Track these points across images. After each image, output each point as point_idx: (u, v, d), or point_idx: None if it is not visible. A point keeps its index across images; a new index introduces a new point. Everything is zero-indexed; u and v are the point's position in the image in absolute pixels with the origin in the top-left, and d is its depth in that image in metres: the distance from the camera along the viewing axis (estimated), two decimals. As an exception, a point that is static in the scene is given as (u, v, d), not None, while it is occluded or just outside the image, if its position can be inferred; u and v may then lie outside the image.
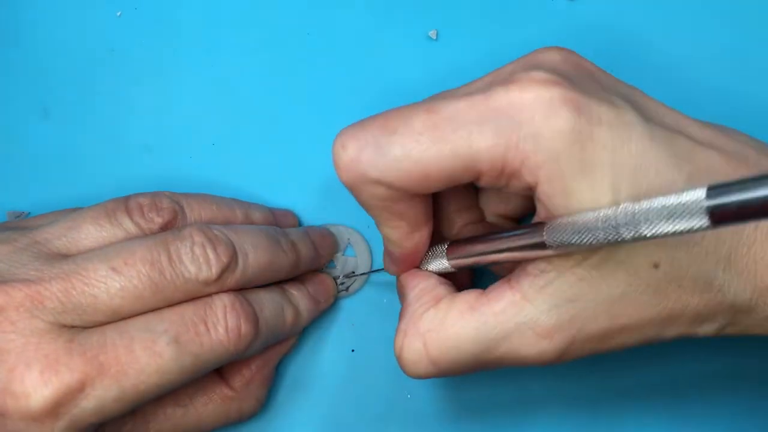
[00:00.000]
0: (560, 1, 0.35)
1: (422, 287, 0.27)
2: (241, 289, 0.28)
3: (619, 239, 0.21)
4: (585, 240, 0.21)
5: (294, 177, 0.34)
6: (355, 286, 0.33)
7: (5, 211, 0.33)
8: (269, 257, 0.29)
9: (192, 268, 0.26)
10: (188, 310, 0.26)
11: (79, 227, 0.28)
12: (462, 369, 0.26)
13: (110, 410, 0.25)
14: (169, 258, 0.26)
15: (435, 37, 0.35)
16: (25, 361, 0.24)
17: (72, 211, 0.29)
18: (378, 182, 0.24)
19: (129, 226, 0.28)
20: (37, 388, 0.24)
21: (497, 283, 0.25)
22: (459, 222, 0.30)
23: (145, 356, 0.25)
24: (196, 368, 0.26)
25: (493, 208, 0.30)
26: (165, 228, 0.28)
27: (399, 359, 0.26)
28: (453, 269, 0.28)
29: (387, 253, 0.28)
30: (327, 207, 0.34)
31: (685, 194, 0.19)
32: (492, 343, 0.25)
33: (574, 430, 0.32)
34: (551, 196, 0.23)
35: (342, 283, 0.33)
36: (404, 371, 0.26)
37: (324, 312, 0.32)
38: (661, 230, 0.19)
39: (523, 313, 0.24)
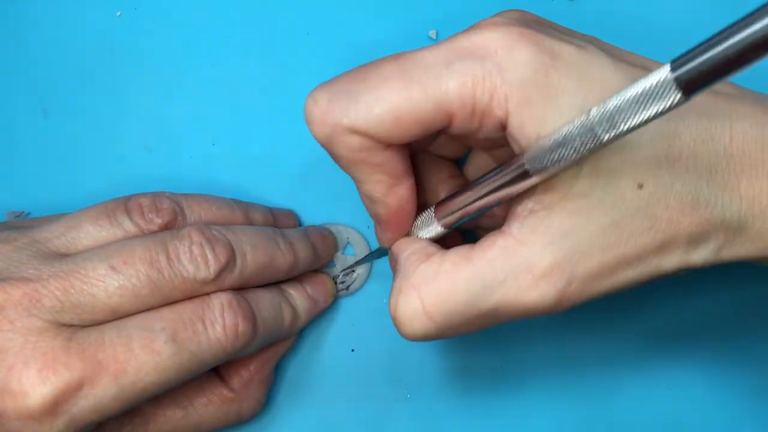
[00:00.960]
0: (560, 1, 0.35)
1: (413, 249, 0.27)
2: (239, 289, 0.28)
3: (598, 142, 0.21)
4: (565, 154, 0.22)
5: (294, 177, 0.34)
6: (356, 285, 0.33)
7: (5, 211, 0.33)
8: (267, 258, 0.29)
9: (190, 268, 0.26)
10: (186, 309, 0.27)
11: (79, 227, 0.28)
12: (460, 323, 0.25)
13: (109, 408, 0.25)
14: (168, 257, 0.26)
15: (435, 37, 0.35)
16: (23, 359, 0.24)
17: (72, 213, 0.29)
18: (352, 130, 0.24)
19: (128, 227, 0.28)
20: (35, 386, 0.24)
21: (488, 234, 0.25)
22: (443, 193, 0.30)
23: (143, 354, 0.25)
24: (193, 366, 0.26)
25: (478, 169, 0.30)
26: (164, 229, 0.28)
27: (395, 319, 0.25)
28: (444, 229, 0.27)
29: (375, 221, 0.28)
30: (327, 206, 0.34)
31: (651, 76, 0.19)
32: (488, 290, 0.24)
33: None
34: (522, 125, 0.23)
35: (342, 282, 0.33)
36: (401, 332, 0.26)
37: (324, 312, 0.32)
38: (637, 119, 0.20)
39: (517, 256, 0.24)
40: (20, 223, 0.30)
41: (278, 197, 0.34)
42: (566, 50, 0.24)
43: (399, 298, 0.25)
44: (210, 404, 0.29)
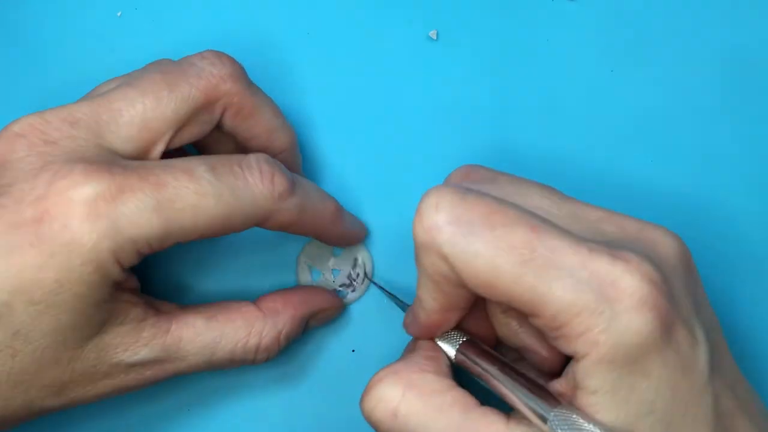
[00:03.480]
0: (560, 1, 0.35)
1: (433, 358, 0.26)
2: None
3: None
4: None
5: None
6: (357, 294, 0.33)
7: (5, 211, 0.33)
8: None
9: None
10: (223, 156, 0.27)
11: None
12: None
13: (146, 222, 0.24)
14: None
15: (435, 37, 0.35)
16: (68, 165, 0.24)
17: None
18: (446, 260, 0.23)
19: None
20: (80, 183, 0.24)
21: (494, 413, 0.24)
22: (499, 305, 0.28)
23: (183, 176, 0.25)
24: (231, 203, 0.26)
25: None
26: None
27: (370, 386, 0.25)
28: (455, 362, 0.27)
29: (413, 313, 0.27)
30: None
31: None
32: None
33: None
34: (586, 376, 0.22)
35: (339, 291, 0.32)
36: (364, 398, 0.25)
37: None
38: None
39: None
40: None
41: (278, 197, 0.34)
42: (681, 342, 0.22)
43: (388, 377, 0.25)
44: (231, 322, 0.28)
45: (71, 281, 0.24)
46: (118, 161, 0.25)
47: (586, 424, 0.22)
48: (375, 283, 0.32)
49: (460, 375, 0.26)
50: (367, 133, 0.34)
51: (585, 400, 0.23)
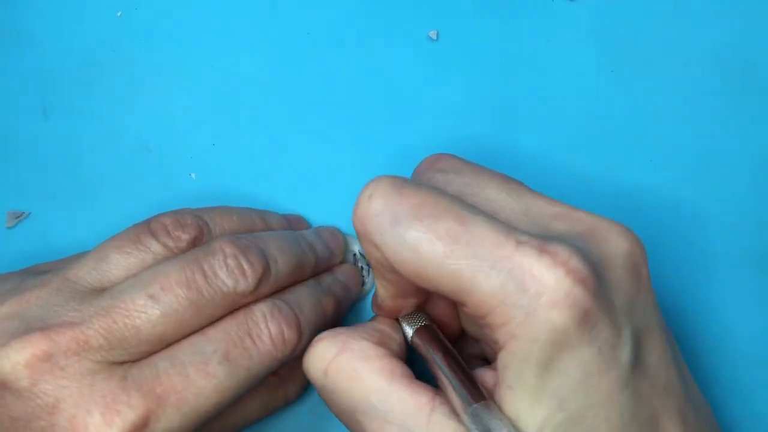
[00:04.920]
0: (560, 1, 0.35)
1: (382, 327, 0.27)
2: (275, 293, 0.28)
3: None
4: None
5: (294, 177, 0.34)
6: (370, 282, 0.33)
7: (5, 211, 0.33)
8: (295, 260, 0.29)
9: (229, 282, 0.26)
10: (232, 326, 0.26)
11: (107, 258, 0.27)
12: (337, 403, 0.25)
13: None
14: (205, 275, 0.26)
15: (435, 37, 0.35)
16: (84, 407, 0.24)
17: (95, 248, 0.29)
18: (378, 249, 0.24)
19: (156, 248, 0.27)
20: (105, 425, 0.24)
21: (421, 387, 0.24)
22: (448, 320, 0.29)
23: (200, 379, 0.25)
24: (250, 380, 0.26)
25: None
26: (193, 244, 0.28)
27: (311, 346, 0.26)
28: (410, 343, 0.27)
29: (374, 296, 0.28)
30: (327, 207, 0.34)
31: None
32: (376, 413, 0.24)
33: None
34: (504, 369, 0.23)
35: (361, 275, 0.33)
36: (305, 357, 0.26)
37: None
38: None
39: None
40: (46, 266, 0.30)
41: (278, 198, 0.34)
42: (600, 339, 0.22)
43: (328, 337, 0.26)
44: (258, 393, 0.29)
45: None
46: (131, 376, 0.25)
47: (495, 422, 0.22)
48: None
49: (415, 357, 0.27)
50: (367, 133, 0.34)
51: (502, 394, 0.23)
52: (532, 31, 0.35)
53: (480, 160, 0.34)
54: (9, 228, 0.33)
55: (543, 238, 0.23)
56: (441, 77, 0.34)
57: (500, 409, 0.23)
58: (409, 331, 0.27)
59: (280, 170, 0.34)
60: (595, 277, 0.22)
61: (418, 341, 0.27)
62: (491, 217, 0.23)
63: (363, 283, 0.33)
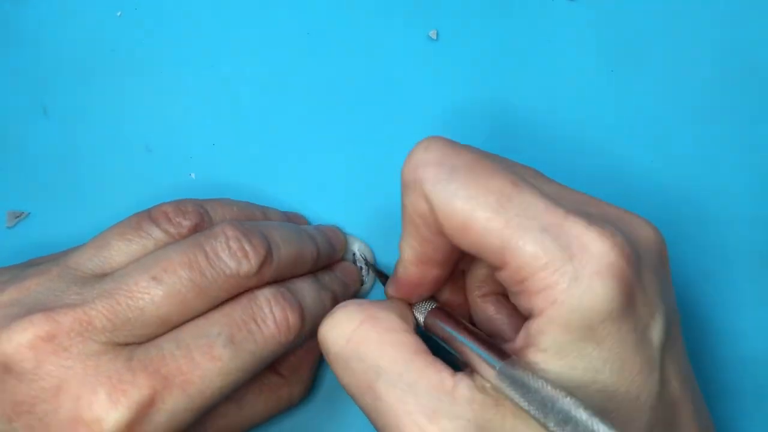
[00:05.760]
0: (560, 1, 0.35)
1: (401, 307, 0.27)
2: (277, 282, 0.28)
3: (545, 423, 0.21)
4: (519, 400, 0.21)
5: (294, 177, 0.34)
6: (369, 283, 0.33)
7: (5, 211, 0.33)
8: (297, 249, 0.29)
9: (232, 264, 0.26)
10: (236, 310, 0.26)
11: (108, 245, 0.27)
12: (352, 373, 0.25)
13: (182, 420, 0.25)
14: (207, 257, 0.26)
15: (435, 37, 0.35)
16: (89, 386, 0.24)
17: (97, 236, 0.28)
18: (426, 199, 0.24)
19: (158, 235, 0.27)
20: (108, 411, 0.24)
21: (443, 365, 0.24)
22: (477, 289, 0.29)
23: (205, 362, 0.25)
24: (254, 364, 0.26)
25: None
26: (194, 231, 0.28)
27: (332, 314, 0.26)
28: (423, 328, 0.27)
29: (393, 277, 0.28)
30: (327, 207, 0.34)
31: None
32: (385, 379, 0.24)
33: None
34: (538, 334, 0.22)
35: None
36: (322, 326, 0.26)
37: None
38: None
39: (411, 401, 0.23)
40: (47, 258, 0.30)
41: (278, 198, 0.34)
42: (642, 313, 0.23)
43: (352, 306, 0.26)
44: (262, 393, 0.29)
45: None
46: (137, 357, 0.25)
47: (530, 376, 0.22)
48: (378, 270, 0.33)
49: (430, 343, 0.27)
50: (366, 133, 0.34)
51: (534, 356, 0.22)
52: (532, 31, 0.35)
53: (480, 160, 0.34)
54: (9, 228, 0.33)
55: (588, 214, 0.23)
56: (441, 77, 0.34)
57: (529, 366, 0.22)
58: (421, 318, 0.27)
59: (279, 170, 0.34)
60: (637, 255, 0.23)
61: (431, 322, 0.27)
62: (547, 179, 0.24)
63: (362, 283, 0.33)
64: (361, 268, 0.33)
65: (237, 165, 0.34)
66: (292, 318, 0.27)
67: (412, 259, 0.26)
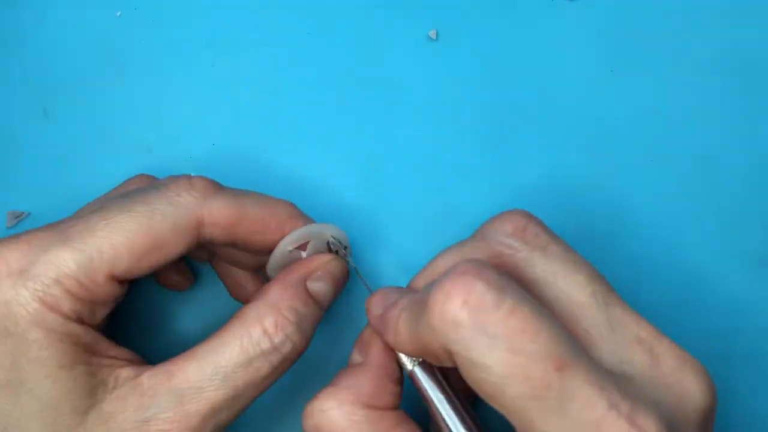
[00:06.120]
0: (560, 1, 0.35)
1: (382, 363, 0.27)
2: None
3: None
4: None
5: (294, 177, 0.34)
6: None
7: (5, 211, 0.33)
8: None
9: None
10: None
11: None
12: None
13: (64, 264, 0.25)
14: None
15: (435, 37, 0.35)
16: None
17: None
18: (450, 356, 0.22)
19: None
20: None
21: None
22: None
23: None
24: (160, 224, 0.26)
25: None
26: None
27: (310, 412, 0.26)
28: (407, 375, 0.27)
29: (386, 322, 0.26)
30: (327, 206, 0.34)
31: None
32: None
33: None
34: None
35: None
36: (307, 412, 0.26)
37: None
38: None
39: None
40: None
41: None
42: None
43: (331, 394, 0.26)
44: (227, 330, 0.27)
45: (21, 351, 0.24)
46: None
47: None
48: (351, 263, 0.31)
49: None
50: (366, 133, 0.34)
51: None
52: (531, 31, 0.35)
53: (478, 159, 0.34)
54: (9, 228, 0.33)
55: (633, 402, 0.21)
56: (441, 77, 0.34)
57: None
58: (408, 365, 0.27)
59: (279, 170, 0.34)
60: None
61: (416, 376, 0.27)
62: (590, 360, 0.21)
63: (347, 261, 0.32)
64: (336, 252, 0.31)
65: (237, 165, 0.34)
66: (198, 180, 0.27)
67: (408, 350, 0.25)
